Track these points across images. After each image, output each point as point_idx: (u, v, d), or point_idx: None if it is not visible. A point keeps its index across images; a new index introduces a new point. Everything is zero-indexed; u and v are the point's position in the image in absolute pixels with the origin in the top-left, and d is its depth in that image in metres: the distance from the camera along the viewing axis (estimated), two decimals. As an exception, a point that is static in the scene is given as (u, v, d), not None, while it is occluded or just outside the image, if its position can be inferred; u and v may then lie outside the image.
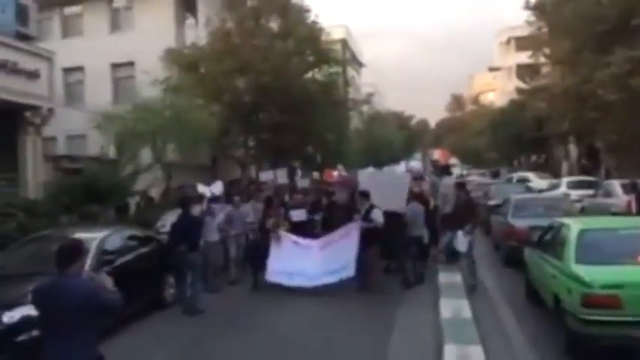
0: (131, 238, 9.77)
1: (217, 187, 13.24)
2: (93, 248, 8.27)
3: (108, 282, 4.10)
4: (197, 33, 24.92)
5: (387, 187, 11.14)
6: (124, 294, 4.26)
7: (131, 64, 24.45)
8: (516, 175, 29.25)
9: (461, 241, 9.83)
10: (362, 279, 9.98)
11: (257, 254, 10.72)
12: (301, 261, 10.32)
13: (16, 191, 12.75)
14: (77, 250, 4.16)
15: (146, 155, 18.10)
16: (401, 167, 19.53)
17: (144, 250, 9.60)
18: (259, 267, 10.57)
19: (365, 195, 10.49)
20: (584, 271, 6.20)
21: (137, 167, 15.99)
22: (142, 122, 16.85)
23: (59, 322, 3.88)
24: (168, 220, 11.29)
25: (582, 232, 6.99)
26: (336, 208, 11.65)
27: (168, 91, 20.49)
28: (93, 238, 8.64)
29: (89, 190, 12.40)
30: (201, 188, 12.90)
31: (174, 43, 23.81)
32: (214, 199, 12.16)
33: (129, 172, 15.14)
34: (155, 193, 18.18)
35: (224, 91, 21.69)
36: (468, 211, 10.44)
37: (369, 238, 9.90)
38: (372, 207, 10.22)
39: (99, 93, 23.92)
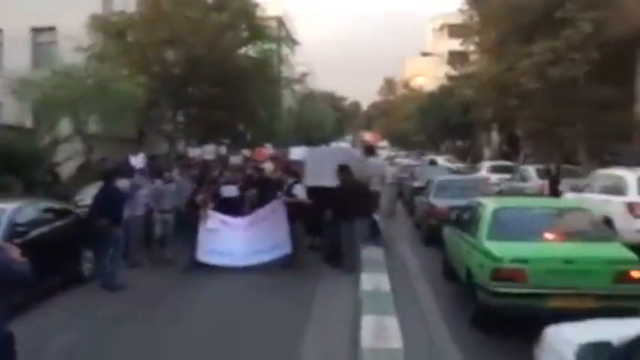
0: (47, 210, 9.41)
1: (139, 160, 12.86)
2: (4, 219, 7.93)
3: (15, 253, 3.82)
4: None
5: (332, 163, 10.52)
6: (38, 268, 4.06)
7: (53, 29, 23.22)
8: (427, 159, 30.49)
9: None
10: (287, 256, 10.04)
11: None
12: (230, 240, 10.28)
13: None
14: None
15: (66, 126, 17.32)
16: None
17: (60, 222, 9.26)
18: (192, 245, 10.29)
19: (291, 172, 10.65)
20: (494, 247, 6.55)
21: (56, 138, 15.24)
22: (61, 90, 16.05)
23: None
24: (89, 193, 10.92)
25: (496, 211, 7.37)
26: (269, 185, 11.59)
27: (92, 59, 19.63)
28: (4, 209, 8.26)
29: (3, 160, 11.74)
30: (133, 161, 12.57)
31: (100, 9, 22.76)
32: (139, 172, 11.80)
33: (47, 143, 14.42)
34: (74, 165, 17.47)
35: (153, 62, 21.07)
36: (362, 198, 9.93)
37: (292, 214, 9.98)
38: (295, 182, 10.41)
39: (17, 58, 22.54)
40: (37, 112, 15.82)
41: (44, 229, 8.69)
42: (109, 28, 21.33)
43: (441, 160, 30.12)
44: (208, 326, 7.06)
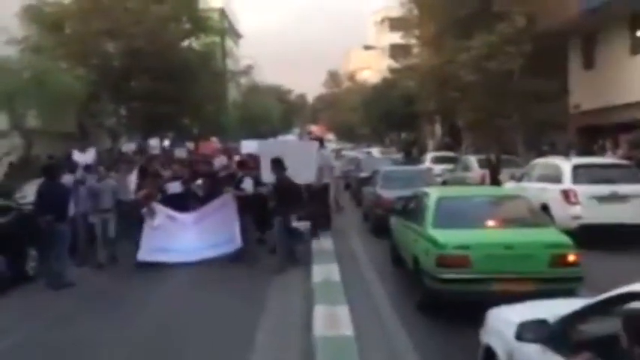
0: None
1: (89, 156, 12.51)
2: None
3: None
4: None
5: (291, 157, 10.18)
6: None
7: (-17, 19, 22.06)
8: (364, 150, 31.67)
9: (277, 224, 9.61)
10: (238, 250, 9.93)
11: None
12: (178, 236, 10.03)
13: None
14: None
15: (3, 120, 16.62)
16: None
17: (1, 220, 8.97)
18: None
19: (242, 164, 10.72)
20: (439, 234, 6.81)
21: (-7, 133, 14.66)
22: (-4, 84, 15.39)
23: None
24: (30, 190, 10.55)
25: (439, 200, 7.65)
26: (218, 179, 11.38)
27: (27, 51, 18.86)
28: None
29: None
30: (77, 156, 12.21)
31: (34, -1, 21.83)
32: (87, 167, 11.39)
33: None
34: (11, 161, 16.79)
35: (91, 54, 20.44)
36: (293, 196, 9.81)
37: (241, 208, 9.98)
38: (244, 176, 10.48)
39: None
40: (-30, 106, 15.11)
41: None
42: (43, 19, 20.51)
43: (374, 151, 32.56)
44: (158, 323, 7.01)
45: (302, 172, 10.38)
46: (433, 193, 8.01)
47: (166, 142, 23.13)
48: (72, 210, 9.66)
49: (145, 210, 9.99)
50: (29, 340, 6.53)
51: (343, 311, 6.51)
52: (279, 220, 9.50)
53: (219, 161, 12.67)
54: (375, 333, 6.35)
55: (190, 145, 28.64)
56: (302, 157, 10.82)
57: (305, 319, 6.63)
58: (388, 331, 6.47)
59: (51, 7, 21.28)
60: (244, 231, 9.96)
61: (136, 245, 9.86)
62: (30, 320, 7.27)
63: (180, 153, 20.39)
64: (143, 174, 11.39)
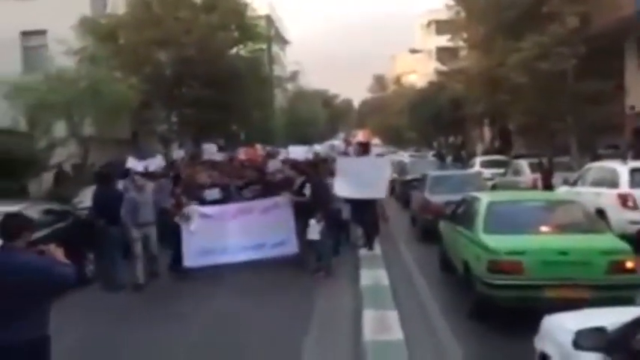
0: (47, 212, 9.50)
1: (155, 163, 12.45)
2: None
3: (59, 254, 3.76)
4: (114, 2, 23.92)
5: (367, 173, 10.34)
6: None
7: (43, 32, 23.10)
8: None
9: (313, 229, 9.26)
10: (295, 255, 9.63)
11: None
12: (217, 233, 9.35)
13: None
14: (23, 221, 3.86)
15: (60, 129, 17.34)
16: (325, 146, 19.33)
17: (61, 224, 9.34)
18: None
19: (296, 168, 10.53)
20: (490, 239, 6.69)
21: (52, 141, 15.30)
22: (54, 93, 16.10)
23: (3, 301, 3.53)
24: (87, 195, 10.92)
25: (491, 204, 7.52)
26: (274, 184, 10.86)
27: (84, 61, 19.63)
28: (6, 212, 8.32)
29: (1, 163, 11.79)
30: (131, 162, 12.19)
31: (89, 11, 22.72)
32: (147, 174, 11.08)
33: (43, 146, 14.48)
34: (69, 168, 17.49)
35: (144, 64, 21.08)
36: (320, 196, 9.68)
37: (299, 213, 9.53)
38: (305, 181, 9.97)
39: (8, 62, 22.38)
40: (32, 115, 15.83)
41: (45, 231, 8.74)
42: (99, 30, 21.32)
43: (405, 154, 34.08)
44: (211, 325, 7.12)
45: (373, 188, 10.39)
46: (484, 198, 7.89)
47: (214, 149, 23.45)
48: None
49: (177, 217, 9.46)
50: (87, 340, 6.77)
51: (393, 316, 6.49)
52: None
53: (273, 165, 12.48)
54: (424, 339, 6.29)
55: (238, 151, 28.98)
56: (376, 173, 10.68)
57: (354, 324, 6.63)
58: (438, 337, 6.39)
59: (106, 18, 22.13)
60: (300, 236, 9.56)
61: (177, 253, 9.46)
62: (88, 320, 7.53)
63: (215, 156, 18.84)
64: (176, 181, 11.01)
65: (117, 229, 9.18)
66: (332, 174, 10.66)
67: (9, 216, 3.86)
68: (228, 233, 9.42)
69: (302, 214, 9.47)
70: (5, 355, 3.56)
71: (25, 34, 24.20)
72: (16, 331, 3.54)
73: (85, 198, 11.13)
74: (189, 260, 9.21)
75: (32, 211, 8.89)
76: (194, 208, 9.52)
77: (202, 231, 9.32)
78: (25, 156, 12.68)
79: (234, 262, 9.26)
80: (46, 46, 22.84)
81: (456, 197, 9.84)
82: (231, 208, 9.83)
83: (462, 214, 8.41)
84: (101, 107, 16.86)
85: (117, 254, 9.20)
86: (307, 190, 9.70)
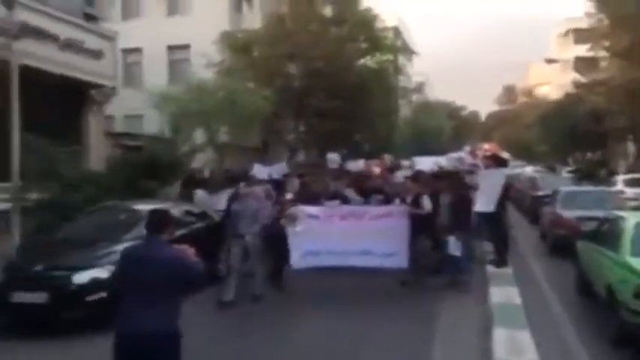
0: (187, 213, 10.19)
1: (278, 169, 12.73)
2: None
3: (190, 253, 3.95)
4: (252, 17, 25.33)
5: (487, 187, 10.04)
6: None
7: (187, 46, 25.03)
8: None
9: (453, 244, 9.01)
10: (408, 271, 9.03)
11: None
12: (324, 234, 8.87)
13: (79, 164, 13.35)
14: (169, 217, 4.15)
15: (199, 136, 18.60)
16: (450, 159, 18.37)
17: (199, 224, 9.99)
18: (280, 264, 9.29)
19: (415, 179, 10.07)
20: (639, 263, 6.16)
21: (193, 147, 16.48)
22: (196, 103, 17.34)
23: (143, 288, 3.77)
24: (221, 199, 11.44)
25: (639, 225, 6.93)
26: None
27: (222, 73, 20.95)
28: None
29: (149, 166, 12.89)
30: (256, 169, 12.55)
31: (228, 27, 24.25)
32: (272, 181, 11.46)
33: (185, 151, 15.63)
34: (206, 173, 18.66)
35: (276, 76, 22.01)
36: (460, 210, 9.36)
37: (417, 226, 8.90)
38: (420, 193, 9.39)
39: (155, 74, 24.61)
40: (175, 123, 17.15)
41: (185, 230, 9.41)
42: (236, 44, 22.67)
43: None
44: (330, 338, 6.91)
45: (485, 200, 9.98)
46: (631, 218, 7.29)
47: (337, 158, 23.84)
48: None
49: (283, 219, 9.05)
50: (222, 333, 7.17)
51: (525, 336, 6.20)
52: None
53: (399, 176, 12.33)
54: (561, 363, 5.93)
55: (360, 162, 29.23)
56: (493, 186, 10.21)
57: (483, 343, 6.40)
58: (576, 364, 6.00)
59: (242, 33, 23.49)
60: (415, 252, 8.93)
61: (284, 259, 9.09)
62: (219, 315, 7.97)
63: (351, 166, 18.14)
64: (280, 189, 10.54)
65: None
66: (466, 187, 10.36)
67: (156, 211, 4.18)
68: (334, 235, 8.91)
69: (417, 228, 8.89)
70: (139, 343, 3.73)
71: (171, 48, 26.37)
72: (152, 321, 3.72)
73: (220, 201, 11.77)
74: (296, 261, 8.92)
75: (175, 211, 9.66)
76: (300, 209, 9.10)
77: (308, 232, 8.91)
78: (170, 160, 13.75)
79: (340, 265, 8.81)
80: (189, 60, 24.76)
81: (589, 213, 10.48)
82: (340, 210, 9.32)
83: (605, 235, 7.83)
84: (236, 116, 17.87)
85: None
86: (426, 203, 9.16)
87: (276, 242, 9.12)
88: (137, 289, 3.80)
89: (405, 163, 16.50)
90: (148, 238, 4.01)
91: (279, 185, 11.06)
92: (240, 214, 8.77)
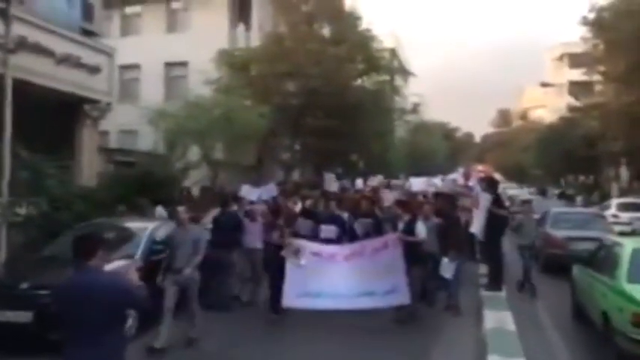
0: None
1: (266, 191, 12.55)
2: (144, 237, 8.62)
3: (134, 277, 3.81)
4: (250, 36, 25.41)
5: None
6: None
7: (184, 63, 25.05)
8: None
9: (446, 267, 8.81)
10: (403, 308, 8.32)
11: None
12: (327, 276, 8.23)
13: (71, 179, 13.20)
14: (98, 241, 3.82)
15: (194, 153, 18.51)
16: (447, 182, 18.07)
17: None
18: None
19: (403, 204, 9.34)
20: (636, 290, 6.07)
21: (187, 164, 16.38)
22: (192, 120, 17.26)
23: (82, 325, 3.56)
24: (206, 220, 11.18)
25: (636, 252, 6.85)
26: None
27: (219, 91, 20.94)
28: (144, 227, 8.98)
29: (142, 182, 12.78)
30: (244, 190, 12.19)
31: (226, 45, 24.31)
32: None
33: (179, 168, 15.53)
34: (196, 191, 18.53)
35: (273, 93, 22.02)
36: (453, 233, 9.16)
37: (411, 255, 8.20)
38: (413, 219, 8.72)
39: (152, 91, 24.59)
40: (170, 139, 17.07)
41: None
42: (234, 62, 22.69)
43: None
44: None
45: (478, 224, 9.95)
46: (628, 244, 7.21)
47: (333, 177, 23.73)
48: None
49: (284, 250, 8.36)
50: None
51: (521, 365, 6.06)
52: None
53: (388, 198, 12.03)
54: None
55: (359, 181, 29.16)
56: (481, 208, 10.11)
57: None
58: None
59: (240, 51, 23.53)
60: (411, 284, 8.19)
61: (273, 293, 8.62)
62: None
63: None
64: (275, 214, 9.90)
65: (226, 253, 9.22)
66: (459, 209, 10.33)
67: (82, 236, 3.88)
68: (338, 276, 8.21)
69: (411, 257, 8.18)
70: None
71: (168, 65, 26.39)
72: (102, 347, 3.55)
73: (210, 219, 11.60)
74: (290, 300, 8.11)
75: (167, 228, 9.47)
76: (303, 244, 8.46)
77: (309, 270, 8.23)
78: (163, 176, 13.64)
79: (337, 308, 8.05)
80: (186, 77, 24.77)
81: (577, 233, 12.23)
82: (343, 248, 8.62)
83: (601, 261, 7.74)
84: (232, 134, 17.79)
85: (224, 280, 9.21)
86: (419, 229, 8.49)
87: (273, 267, 8.74)
88: (76, 327, 3.59)
89: (396, 182, 16.27)
90: (77, 267, 3.70)
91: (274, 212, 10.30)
92: (179, 243, 7.54)
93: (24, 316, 6.82)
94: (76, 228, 9.50)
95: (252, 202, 11.06)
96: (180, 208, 7.99)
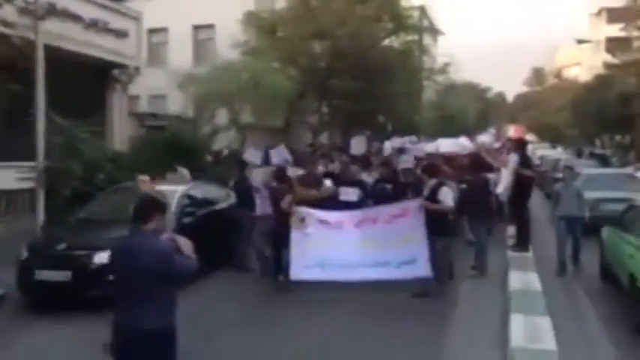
0: (209, 193, 10.25)
1: (281, 154, 11.14)
2: (176, 199, 8.81)
3: (187, 246, 3.81)
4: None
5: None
6: (202, 248, 4.12)
7: (212, 26, 24.99)
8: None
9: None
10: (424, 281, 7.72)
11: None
12: (335, 244, 7.86)
13: (103, 144, 13.51)
14: (155, 205, 3.85)
15: (222, 116, 18.66)
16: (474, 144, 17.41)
17: (222, 205, 10.04)
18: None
19: (431, 169, 8.43)
20: (664, 251, 6.01)
21: (215, 127, 16.55)
22: (220, 84, 17.36)
23: (134, 282, 3.65)
24: None
25: (666, 212, 6.74)
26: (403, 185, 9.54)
27: (247, 54, 20.89)
28: (175, 190, 9.18)
29: (171, 146, 13.01)
30: (248, 154, 11.39)
31: (253, 6, 24.10)
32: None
33: (207, 132, 15.71)
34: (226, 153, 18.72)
35: (300, 55, 21.87)
36: (479, 195, 9.07)
37: (435, 225, 7.62)
38: (439, 184, 7.96)
39: (180, 54, 24.66)
40: (199, 103, 17.23)
41: (206, 210, 9.48)
42: (260, 24, 22.55)
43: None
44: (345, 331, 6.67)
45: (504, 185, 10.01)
46: (657, 204, 7.09)
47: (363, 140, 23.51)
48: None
49: (292, 219, 8.00)
50: (235, 317, 7.25)
51: (545, 323, 6.10)
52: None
53: (404, 162, 11.07)
54: (580, 351, 5.83)
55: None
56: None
57: (500, 329, 6.34)
58: (596, 352, 5.90)
59: (267, 13, 23.34)
60: (435, 257, 7.62)
61: (279, 264, 8.37)
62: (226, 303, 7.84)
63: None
64: (281, 179, 8.87)
65: (241, 213, 9.50)
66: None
67: (140, 199, 3.97)
68: (347, 244, 7.85)
69: (435, 228, 7.63)
70: (131, 339, 3.66)
71: (196, 28, 26.35)
72: (145, 316, 3.61)
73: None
74: (297, 272, 7.84)
75: (197, 191, 9.76)
76: (310, 212, 8.06)
77: (316, 239, 7.89)
78: (191, 140, 13.85)
79: (347, 279, 7.70)
80: (213, 39, 24.74)
81: (608, 194, 11.84)
82: (352, 215, 8.15)
83: (630, 222, 7.65)
84: (260, 97, 17.85)
85: (242, 238, 9.45)
86: (443, 196, 7.77)
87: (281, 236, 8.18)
88: (128, 283, 3.69)
89: (409, 145, 14.98)
90: (132, 229, 3.78)
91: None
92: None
93: (63, 275, 7.17)
94: (107, 191, 9.83)
95: (258, 167, 10.58)
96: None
